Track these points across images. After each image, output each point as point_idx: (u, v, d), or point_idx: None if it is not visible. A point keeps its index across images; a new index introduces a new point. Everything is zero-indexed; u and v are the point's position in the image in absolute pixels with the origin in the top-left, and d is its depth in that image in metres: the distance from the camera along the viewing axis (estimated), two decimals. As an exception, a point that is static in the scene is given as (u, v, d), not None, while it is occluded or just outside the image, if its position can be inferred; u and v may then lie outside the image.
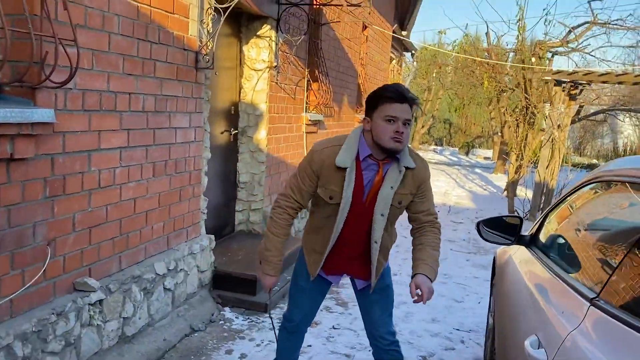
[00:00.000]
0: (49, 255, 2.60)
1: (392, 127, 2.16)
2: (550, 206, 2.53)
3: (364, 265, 2.44)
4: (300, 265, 2.58)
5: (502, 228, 2.50)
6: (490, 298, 3.46)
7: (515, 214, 8.66)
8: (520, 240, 2.50)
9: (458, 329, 3.98)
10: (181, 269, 3.76)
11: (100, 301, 2.94)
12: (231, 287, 4.19)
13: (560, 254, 2.17)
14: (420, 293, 2.17)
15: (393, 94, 2.17)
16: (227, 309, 4.05)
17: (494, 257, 3.38)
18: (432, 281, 2.21)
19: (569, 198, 2.35)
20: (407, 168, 2.27)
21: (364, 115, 2.30)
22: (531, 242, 2.51)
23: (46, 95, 2.49)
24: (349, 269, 2.51)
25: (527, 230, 2.77)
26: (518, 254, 2.60)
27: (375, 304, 2.51)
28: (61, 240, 2.70)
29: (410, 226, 2.45)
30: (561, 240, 2.25)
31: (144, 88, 3.24)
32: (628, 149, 21.73)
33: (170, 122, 3.56)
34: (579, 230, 2.16)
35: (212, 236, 4.23)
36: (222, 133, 4.93)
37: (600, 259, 1.89)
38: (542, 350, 1.51)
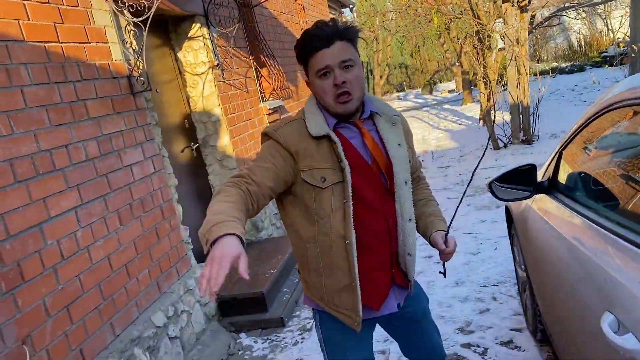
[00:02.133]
0: (28, 356, 2.26)
1: (329, 82, 1.62)
2: (561, 143, 2.26)
3: (397, 266, 1.78)
4: (329, 329, 1.81)
5: (515, 180, 2.22)
6: (512, 249, 3.22)
7: (499, 139, 8.47)
8: (538, 188, 2.23)
9: (485, 285, 3.75)
10: (182, 311, 3.44)
11: (104, 380, 2.62)
12: (240, 310, 3.89)
13: (593, 195, 1.90)
14: (450, 250, 1.72)
15: (314, 39, 1.62)
16: (242, 335, 3.76)
17: (506, 206, 3.12)
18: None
19: (582, 132, 2.07)
20: (397, 117, 1.77)
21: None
22: (551, 187, 2.24)
23: (-34, 182, 2.12)
24: (387, 279, 1.77)
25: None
26: (539, 202, 2.33)
27: (421, 330, 1.92)
28: (37, 333, 2.36)
29: None
30: (590, 180, 1.98)
31: (81, 134, 2.86)
32: (583, 43, 21.65)
33: (123, 161, 3.19)
34: (608, 164, 1.89)
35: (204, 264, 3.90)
36: (182, 151, 4.56)
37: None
38: (631, 335, 1.24)
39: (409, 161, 1.76)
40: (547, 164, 2.42)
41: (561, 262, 1.95)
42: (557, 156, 2.25)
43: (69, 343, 2.53)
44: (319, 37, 1.62)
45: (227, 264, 1.26)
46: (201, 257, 4.34)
